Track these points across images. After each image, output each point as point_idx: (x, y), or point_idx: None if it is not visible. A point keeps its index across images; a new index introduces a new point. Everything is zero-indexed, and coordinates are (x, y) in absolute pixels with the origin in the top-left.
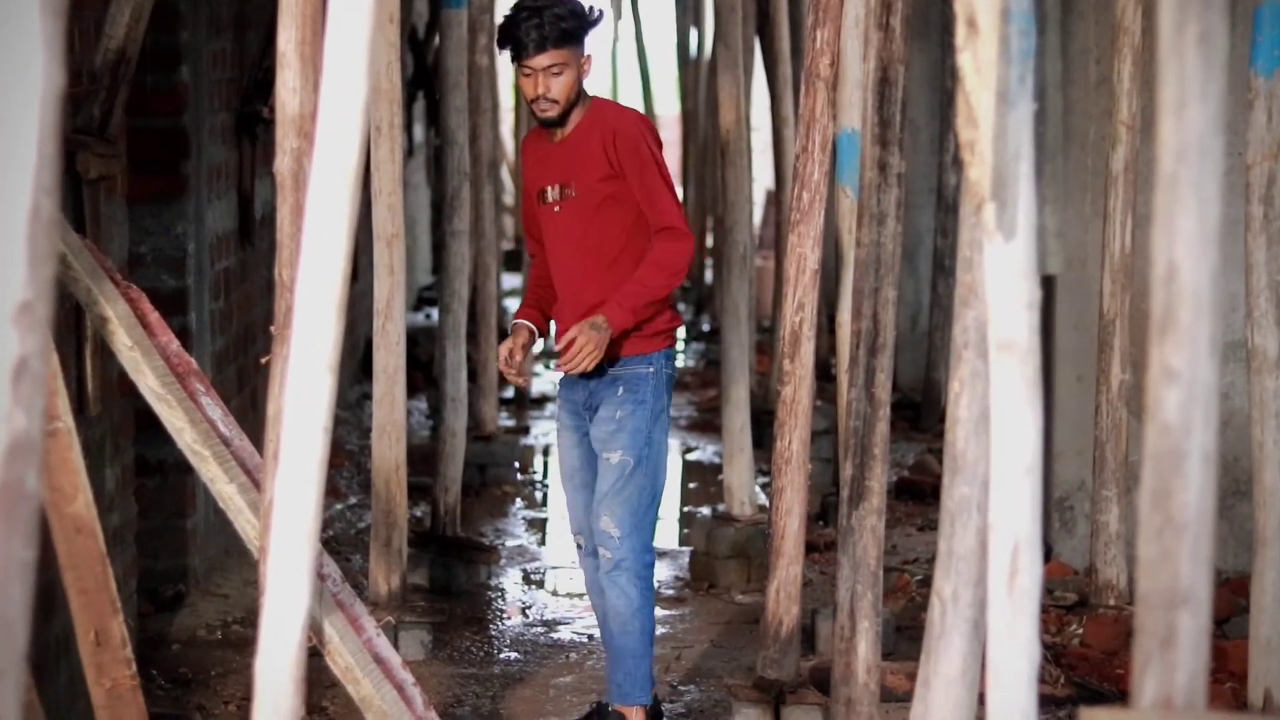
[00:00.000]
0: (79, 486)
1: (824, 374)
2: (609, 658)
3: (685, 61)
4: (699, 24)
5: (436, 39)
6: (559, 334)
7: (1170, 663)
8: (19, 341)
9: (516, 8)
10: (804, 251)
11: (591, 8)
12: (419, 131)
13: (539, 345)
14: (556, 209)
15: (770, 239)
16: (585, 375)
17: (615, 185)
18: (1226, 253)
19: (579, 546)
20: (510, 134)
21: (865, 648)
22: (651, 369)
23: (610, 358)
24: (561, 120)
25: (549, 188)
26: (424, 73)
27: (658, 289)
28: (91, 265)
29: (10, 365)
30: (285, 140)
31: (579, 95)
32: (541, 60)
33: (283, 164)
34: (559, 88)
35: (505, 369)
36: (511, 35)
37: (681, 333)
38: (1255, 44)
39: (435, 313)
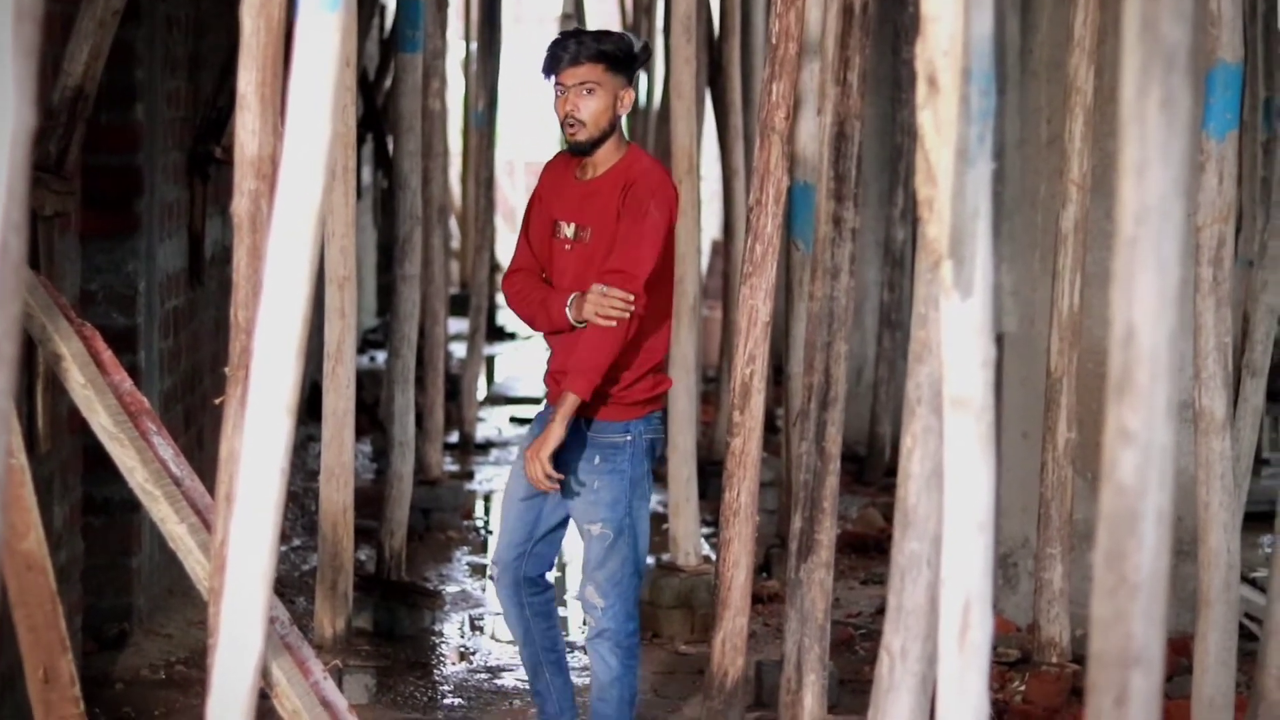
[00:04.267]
0: (30, 524)
1: (769, 426)
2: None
3: (635, 109)
4: (649, 72)
5: (387, 81)
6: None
7: None
8: None
9: (564, 32)
10: (756, 304)
11: (640, 46)
12: (366, 174)
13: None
14: (568, 247)
15: (717, 289)
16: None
17: None
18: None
19: (491, 577)
20: (458, 180)
21: (812, 700)
22: (629, 437)
23: (587, 418)
24: (589, 148)
25: (564, 223)
26: (373, 115)
27: (594, 351)
28: (46, 302)
29: None
30: (243, 182)
31: (611, 129)
32: (574, 74)
33: (240, 205)
34: (588, 109)
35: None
36: (550, 52)
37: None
38: (1207, 107)
39: (380, 355)
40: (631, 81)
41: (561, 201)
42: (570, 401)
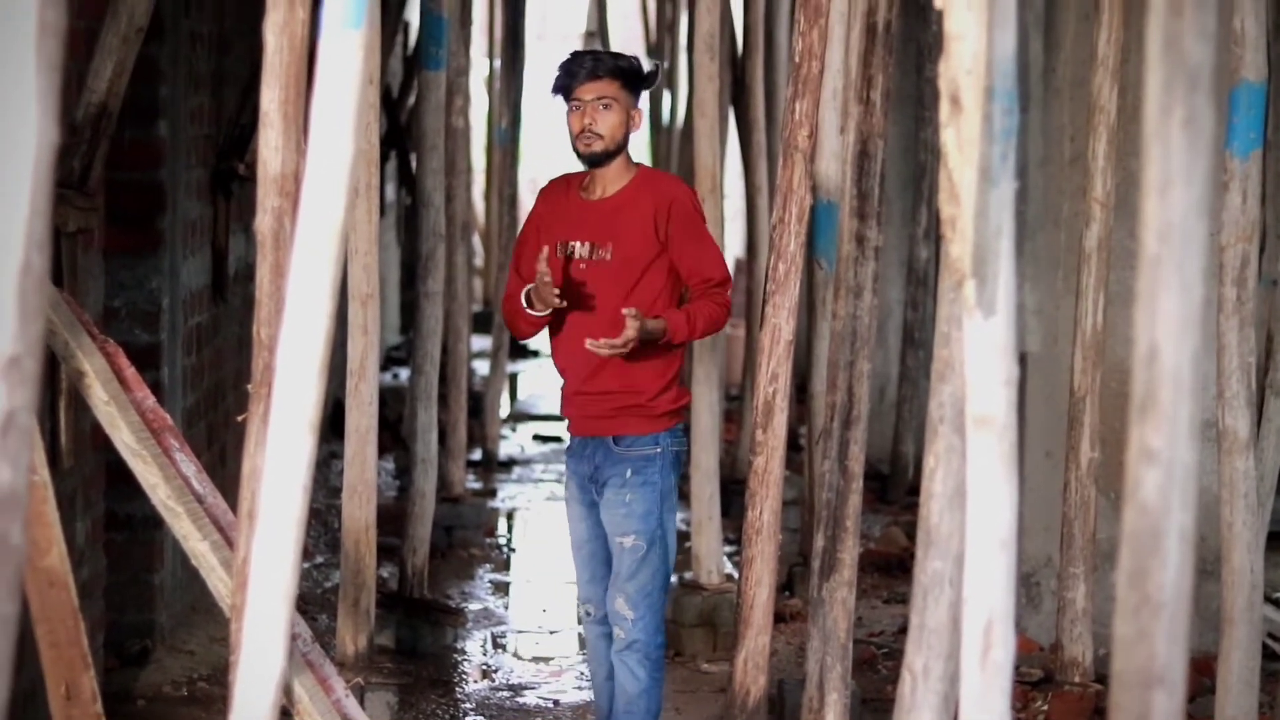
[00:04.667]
0: (53, 540)
1: (792, 444)
2: None
3: (658, 127)
4: (673, 89)
5: (410, 99)
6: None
7: None
8: (7, 396)
9: (576, 51)
10: (779, 322)
11: (654, 68)
12: (390, 191)
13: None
14: (583, 266)
15: (740, 307)
16: (589, 449)
17: (656, 256)
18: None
19: (587, 614)
20: (481, 197)
21: (834, 719)
22: (658, 449)
23: (617, 436)
24: (604, 159)
25: (577, 243)
26: (396, 132)
27: (709, 327)
28: (69, 319)
29: None
30: (266, 199)
31: (624, 144)
32: (591, 89)
33: (263, 223)
34: (605, 123)
35: (543, 286)
36: (565, 69)
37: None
38: (1231, 126)
39: (403, 372)
40: (639, 103)
41: (568, 222)
42: (659, 326)
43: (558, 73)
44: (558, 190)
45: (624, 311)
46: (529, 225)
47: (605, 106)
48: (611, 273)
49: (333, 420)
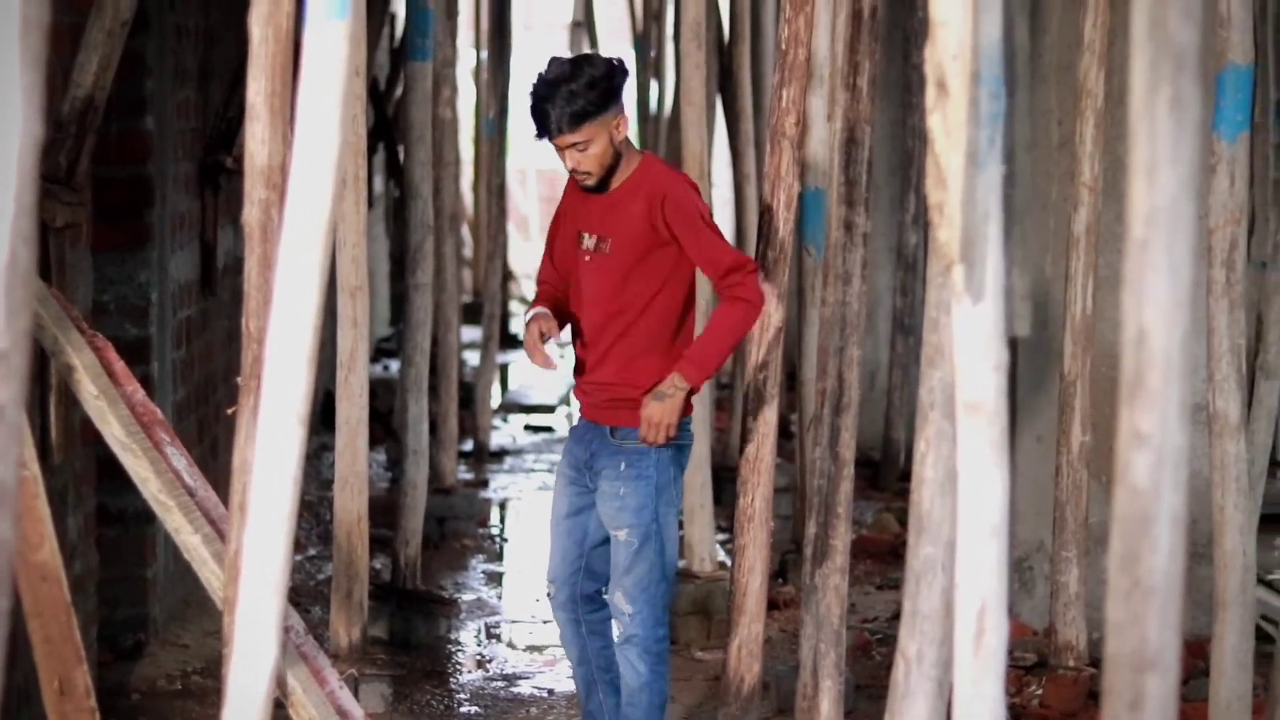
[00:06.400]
0: (45, 535)
1: (783, 431)
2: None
3: (645, 116)
4: (659, 78)
5: (398, 90)
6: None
7: None
8: None
9: (534, 84)
10: (768, 309)
11: (612, 65)
12: (378, 183)
13: (552, 346)
14: (588, 258)
15: None
16: (590, 435)
17: (654, 249)
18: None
19: (549, 595)
20: (469, 188)
21: (828, 706)
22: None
23: (614, 426)
24: (603, 185)
25: (587, 234)
26: (384, 124)
27: (730, 335)
28: (58, 313)
29: None
30: (253, 191)
31: (617, 158)
32: (563, 140)
33: (251, 215)
34: (589, 161)
35: (534, 349)
36: (533, 113)
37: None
38: (1218, 108)
39: (393, 364)
40: (618, 104)
41: (584, 214)
42: (678, 381)
43: (530, 117)
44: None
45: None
46: (556, 214)
47: (581, 150)
48: (610, 265)
49: (323, 412)
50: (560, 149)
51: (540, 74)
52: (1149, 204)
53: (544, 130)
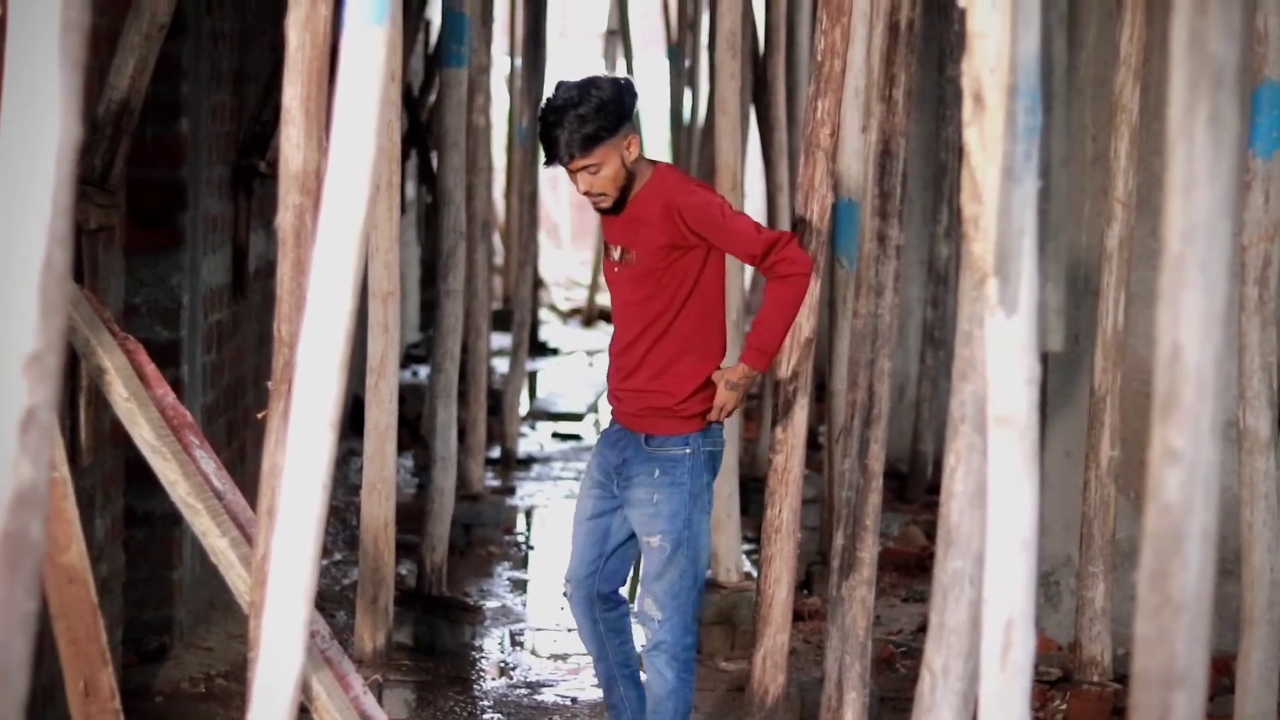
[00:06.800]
0: (72, 536)
1: (811, 443)
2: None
3: (678, 125)
4: (693, 87)
5: (431, 96)
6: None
7: None
8: (28, 392)
9: (543, 110)
10: (799, 320)
11: (620, 87)
12: (410, 189)
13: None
14: (616, 270)
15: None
16: (623, 440)
17: (678, 257)
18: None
19: (564, 594)
20: (501, 196)
21: (852, 718)
22: (688, 450)
23: (648, 434)
24: (618, 207)
25: (614, 247)
26: (417, 130)
27: (785, 313)
28: (90, 315)
29: (18, 415)
30: (288, 196)
31: (630, 177)
32: (575, 164)
33: (285, 219)
34: (602, 183)
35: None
36: (543, 140)
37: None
38: (1254, 125)
39: (423, 370)
40: (629, 124)
41: (610, 227)
42: (747, 371)
43: (541, 142)
44: None
45: (714, 379)
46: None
47: (594, 172)
48: (637, 275)
49: (352, 417)
50: (572, 173)
51: (548, 99)
52: (1186, 220)
53: (554, 156)
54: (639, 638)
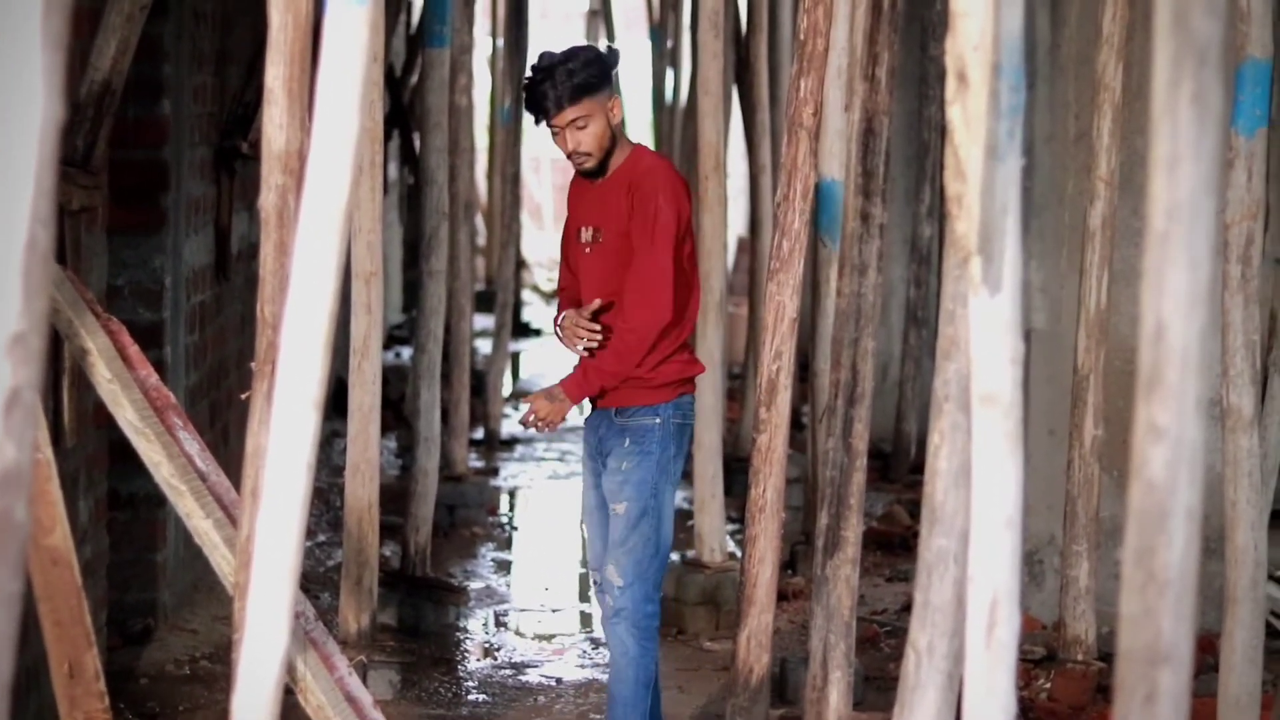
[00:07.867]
0: (56, 518)
1: (794, 422)
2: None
3: (660, 105)
4: (675, 67)
5: (413, 77)
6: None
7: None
8: (12, 373)
9: (530, 71)
10: (783, 300)
11: (608, 49)
12: (392, 170)
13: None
14: (587, 250)
15: (742, 286)
16: (598, 420)
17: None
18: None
19: (595, 583)
20: (484, 176)
21: (837, 698)
22: (658, 420)
23: (618, 407)
24: (601, 169)
25: (584, 228)
26: (399, 111)
27: (614, 373)
28: (73, 296)
29: (2, 396)
30: (270, 176)
31: (614, 141)
32: (563, 117)
33: (267, 200)
34: (588, 140)
35: (571, 339)
36: (531, 99)
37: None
38: (1236, 103)
39: (405, 351)
40: (613, 85)
41: (581, 209)
42: (557, 394)
43: (525, 101)
44: (580, 176)
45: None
46: (566, 220)
47: (581, 127)
48: (606, 254)
49: (335, 399)
50: (560, 129)
51: (534, 65)
52: (1169, 198)
53: (543, 110)
54: (600, 607)
